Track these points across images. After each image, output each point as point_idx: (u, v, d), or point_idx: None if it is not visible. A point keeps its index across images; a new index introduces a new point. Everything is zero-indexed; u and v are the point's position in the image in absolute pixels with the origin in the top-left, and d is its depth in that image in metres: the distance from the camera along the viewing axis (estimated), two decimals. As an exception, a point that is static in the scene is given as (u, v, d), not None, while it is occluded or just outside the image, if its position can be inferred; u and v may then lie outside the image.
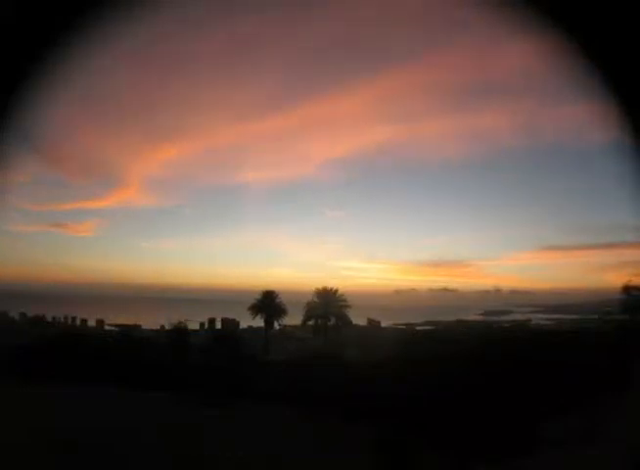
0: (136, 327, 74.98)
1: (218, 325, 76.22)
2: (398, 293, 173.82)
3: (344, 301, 48.18)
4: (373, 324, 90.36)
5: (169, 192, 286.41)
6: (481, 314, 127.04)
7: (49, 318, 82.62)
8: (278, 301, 50.23)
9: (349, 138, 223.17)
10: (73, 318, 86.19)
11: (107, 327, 79.65)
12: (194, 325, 61.65)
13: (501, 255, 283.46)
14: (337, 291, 48.18)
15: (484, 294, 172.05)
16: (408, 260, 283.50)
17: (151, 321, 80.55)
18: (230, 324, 73.46)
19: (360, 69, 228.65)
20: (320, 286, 48.75)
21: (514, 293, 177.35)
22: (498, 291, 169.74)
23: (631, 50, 3.32)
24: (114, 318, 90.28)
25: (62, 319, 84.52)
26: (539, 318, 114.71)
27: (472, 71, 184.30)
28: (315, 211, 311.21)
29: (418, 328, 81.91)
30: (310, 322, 47.66)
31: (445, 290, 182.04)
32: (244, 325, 68.20)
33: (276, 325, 54.64)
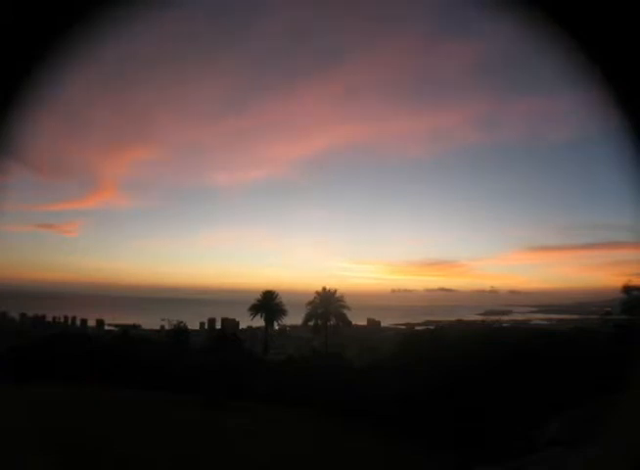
0: (136, 327, 75.07)
1: (218, 325, 76.28)
2: (395, 292, 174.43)
3: (343, 301, 48.16)
4: (373, 324, 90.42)
5: (151, 194, 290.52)
6: (481, 314, 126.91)
7: (49, 318, 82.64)
8: (277, 301, 50.17)
9: (316, 138, 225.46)
10: (73, 318, 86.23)
11: (107, 327, 79.67)
12: (194, 325, 61.53)
13: (492, 255, 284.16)
14: (335, 291, 48.16)
15: (480, 293, 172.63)
16: (400, 261, 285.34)
17: (151, 321, 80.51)
18: (230, 324, 73.55)
19: (315, 70, 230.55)
20: (314, 286, 48.70)
21: (513, 293, 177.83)
22: (495, 291, 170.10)
23: (630, 48, 3.32)
24: (114, 318, 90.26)
25: (62, 319, 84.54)
26: (539, 318, 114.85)
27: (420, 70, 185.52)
28: (297, 211, 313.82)
29: (418, 328, 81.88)
30: (310, 322, 47.60)
31: (442, 290, 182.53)
32: (243, 325, 68.29)
33: (275, 325, 54.58)
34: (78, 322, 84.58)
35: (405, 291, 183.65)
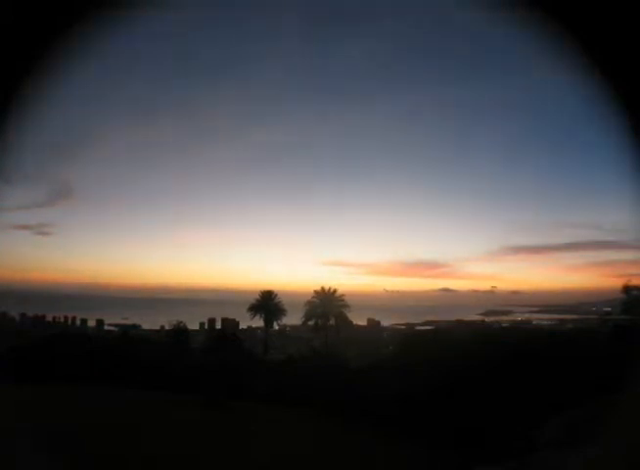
0: (135, 327, 75.13)
1: (219, 325, 76.29)
2: (388, 292, 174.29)
3: (344, 300, 48.08)
4: (373, 324, 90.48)
5: (130, 195, 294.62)
6: (482, 314, 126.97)
7: (49, 318, 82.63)
8: (276, 301, 50.13)
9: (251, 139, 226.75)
10: (73, 318, 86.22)
11: (107, 327, 79.70)
12: (194, 325, 61.46)
13: (489, 254, 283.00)
14: (335, 290, 48.07)
15: (480, 293, 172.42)
16: (391, 262, 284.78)
17: (150, 321, 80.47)
18: (230, 324, 73.56)
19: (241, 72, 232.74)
20: (306, 287, 48.60)
21: (513, 293, 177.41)
22: (493, 291, 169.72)
23: (631, 50, 3.31)
24: (114, 318, 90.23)
25: (62, 319, 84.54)
26: (539, 318, 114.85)
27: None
28: (285, 211, 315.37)
29: (418, 328, 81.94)
30: (310, 322, 47.54)
31: (442, 290, 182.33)
32: (243, 325, 68.29)
33: (275, 325, 54.55)
34: (78, 322, 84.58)
35: (400, 291, 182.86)
